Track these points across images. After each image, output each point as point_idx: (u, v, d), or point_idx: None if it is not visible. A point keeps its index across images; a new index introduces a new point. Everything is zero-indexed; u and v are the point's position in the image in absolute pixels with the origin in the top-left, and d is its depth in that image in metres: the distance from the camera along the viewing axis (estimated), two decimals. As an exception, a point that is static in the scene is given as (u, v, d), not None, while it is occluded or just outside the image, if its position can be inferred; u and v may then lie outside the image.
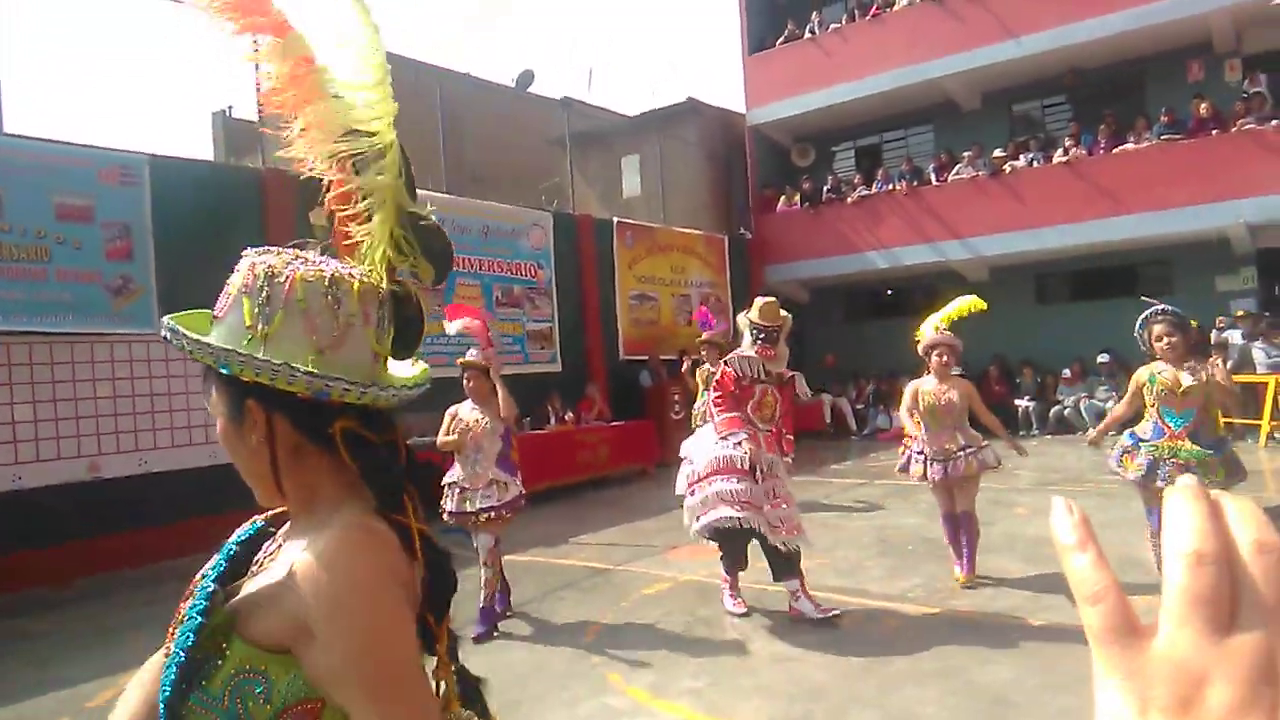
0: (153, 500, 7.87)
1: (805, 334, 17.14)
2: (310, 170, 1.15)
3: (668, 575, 6.41)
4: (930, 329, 5.87)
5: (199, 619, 1.01)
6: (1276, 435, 11.05)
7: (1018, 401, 14.10)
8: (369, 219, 1.13)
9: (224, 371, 1.03)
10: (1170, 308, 4.86)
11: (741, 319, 5.25)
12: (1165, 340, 4.77)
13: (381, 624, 0.98)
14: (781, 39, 16.93)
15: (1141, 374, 5.01)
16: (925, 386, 5.68)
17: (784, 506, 5.09)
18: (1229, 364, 11.67)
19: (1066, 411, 13.45)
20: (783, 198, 16.95)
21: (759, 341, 5.10)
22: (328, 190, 1.16)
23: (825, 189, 16.41)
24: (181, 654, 0.99)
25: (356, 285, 1.09)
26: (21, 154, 7.41)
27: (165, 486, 7.98)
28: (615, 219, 14.13)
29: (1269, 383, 11.04)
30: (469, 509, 5.25)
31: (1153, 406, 4.88)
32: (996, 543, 6.73)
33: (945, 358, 5.63)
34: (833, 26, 16.32)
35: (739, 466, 4.99)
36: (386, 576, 1.00)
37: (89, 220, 7.74)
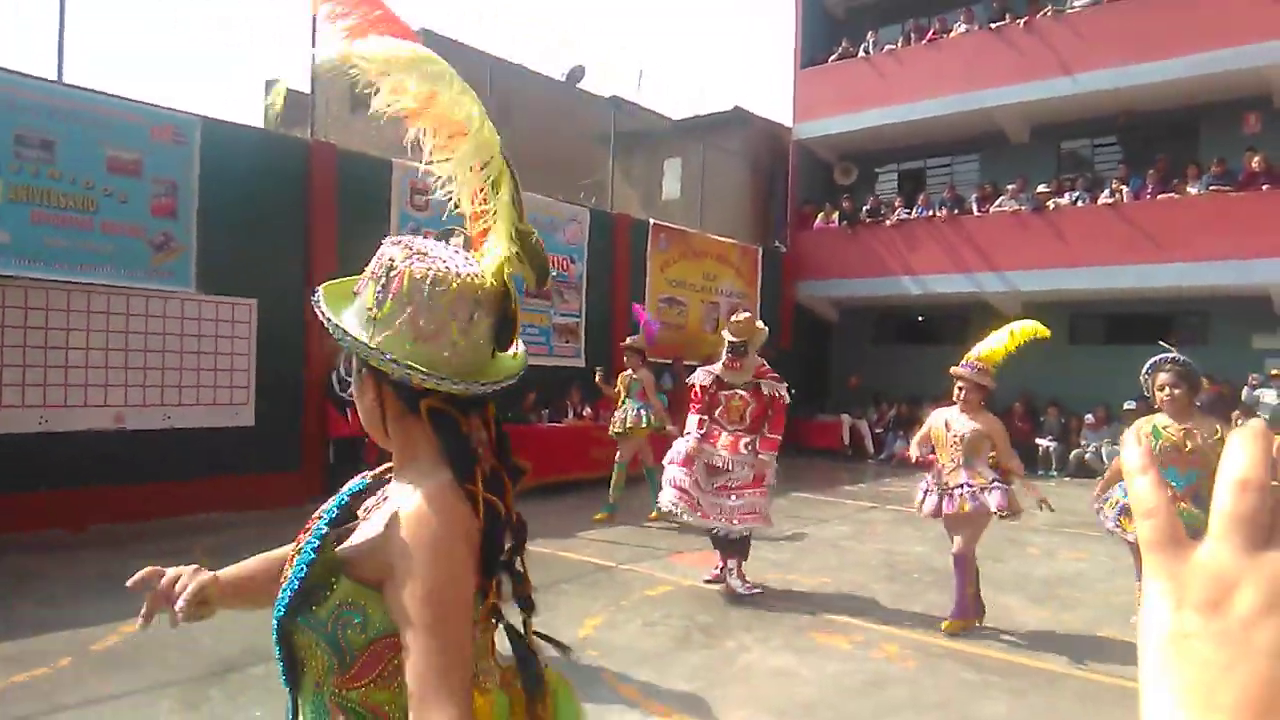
0: (174, 456, 8.01)
1: (831, 353, 17.11)
2: (446, 190, 1.31)
3: (671, 579, 6.42)
4: (970, 359, 5.49)
5: (312, 554, 1.17)
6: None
7: (1040, 440, 13.95)
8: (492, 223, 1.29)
9: (346, 348, 1.23)
10: (1182, 358, 4.56)
11: (724, 333, 5.94)
12: (1168, 390, 4.48)
13: (442, 575, 1.12)
14: (835, 56, 16.87)
15: (1143, 425, 4.64)
16: (948, 416, 5.45)
17: (736, 498, 5.81)
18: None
19: (1088, 456, 13.29)
20: (821, 214, 16.89)
21: (728, 354, 5.85)
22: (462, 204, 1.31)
23: (865, 209, 16.34)
24: (296, 581, 1.15)
25: (454, 286, 1.22)
26: (77, 105, 7.56)
27: (188, 443, 8.11)
28: (651, 220, 14.15)
29: (1299, 445, 10.84)
30: None
31: (1156, 464, 4.58)
32: (1006, 582, 6.68)
33: (964, 391, 5.32)
34: (888, 47, 16.24)
35: (683, 459, 5.85)
36: (457, 536, 1.15)
37: (138, 175, 7.88)
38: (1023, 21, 14.44)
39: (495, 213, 1.27)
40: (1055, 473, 13.56)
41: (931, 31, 15.75)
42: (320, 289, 1.28)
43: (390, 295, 1.21)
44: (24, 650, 4.48)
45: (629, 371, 8.80)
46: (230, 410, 8.40)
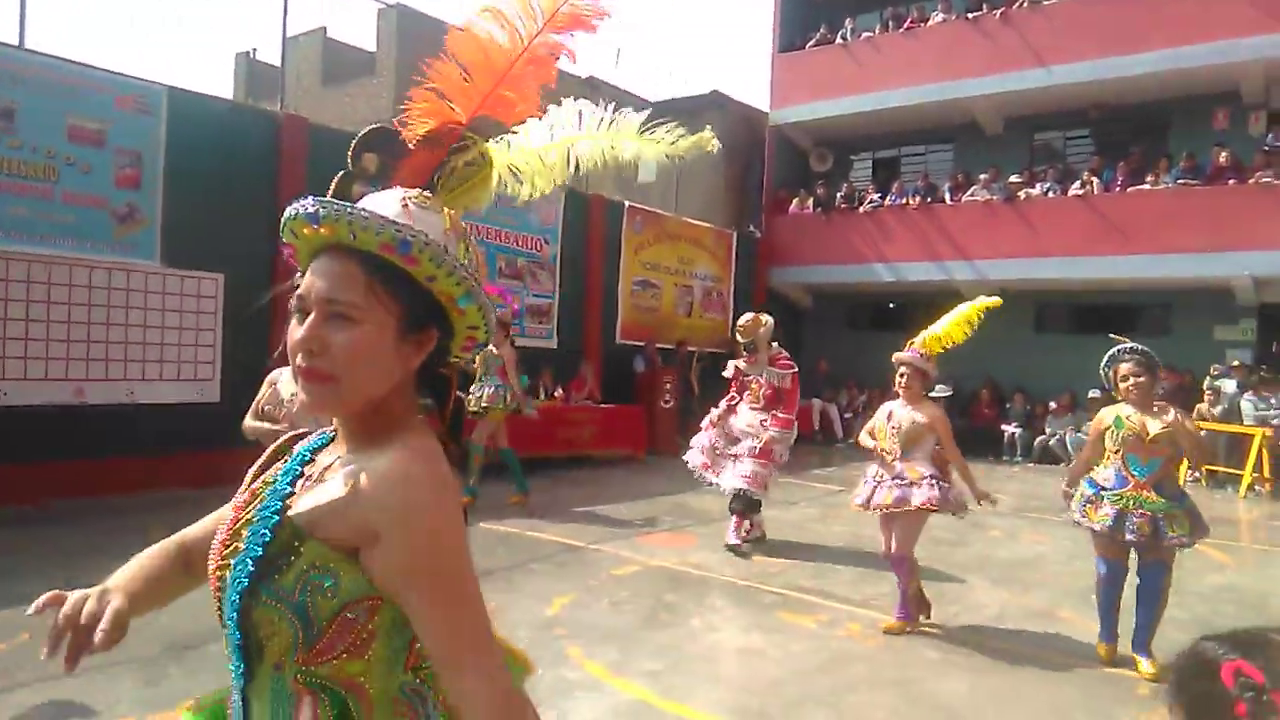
0: (137, 431, 7.88)
1: (804, 339, 17.18)
2: (411, 135, 1.26)
3: (638, 559, 6.45)
4: (914, 345, 5.28)
5: (275, 517, 1.08)
6: (1257, 487, 11.10)
7: (1005, 427, 14.15)
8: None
9: (464, 292, 1.12)
10: (1140, 347, 4.52)
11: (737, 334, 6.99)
12: (1131, 380, 4.45)
13: (446, 528, 1.05)
14: (813, 42, 16.88)
15: (1106, 416, 4.62)
16: (892, 408, 5.17)
17: (741, 463, 6.74)
18: (1219, 410, 11.77)
19: (1052, 442, 13.51)
20: (796, 200, 16.94)
21: (744, 351, 6.96)
22: (399, 148, 1.27)
23: (839, 196, 16.40)
24: (258, 548, 1.06)
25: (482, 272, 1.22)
26: (39, 70, 7.38)
27: (150, 419, 7.99)
28: (626, 202, 14.11)
29: (1255, 435, 11.09)
30: None
31: (1116, 452, 4.49)
32: (968, 564, 6.79)
33: (905, 378, 5.09)
34: (865, 35, 16.28)
35: (709, 424, 7.14)
36: (450, 487, 1.08)
37: (101, 145, 7.71)
38: (999, 12, 14.53)
39: (452, 195, 1.26)
40: (1020, 458, 13.78)
41: (909, 20, 15.81)
42: (405, 231, 1.08)
43: (472, 259, 1.18)
44: (-20, 625, 4.41)
45: (490, 348, 8.52)
46: (196, 386, 8.28)
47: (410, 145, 1.24)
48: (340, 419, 1.17)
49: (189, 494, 7.78)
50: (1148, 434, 4.39)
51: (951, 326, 5.32)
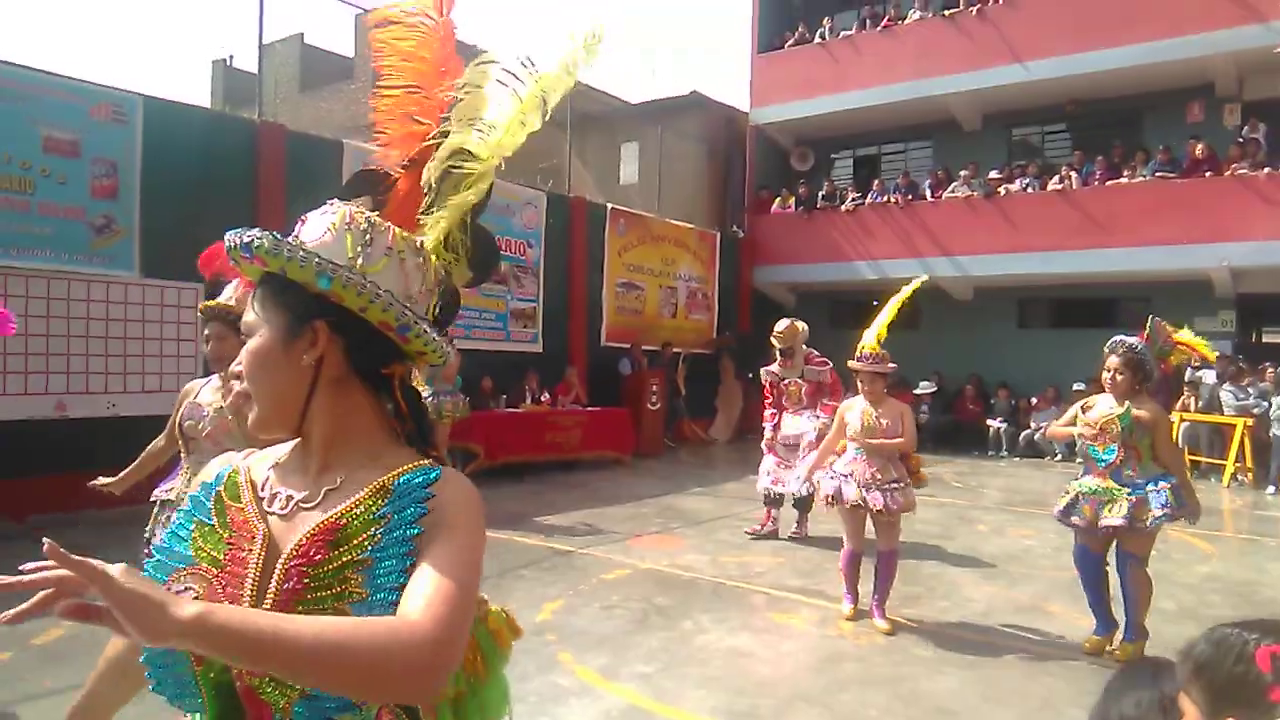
0: (119, 444, 7.77)
1: (788, 337, 17.22)
2: (388, 161, 1.28)
3: (628, 562, 6.43)
4: (861, 351, 5.25)
5: (401, 575, 1.02)
6: (1240, 477, 11.21)
7: (990, 422, 14.23)
8: (429, 212, 1.24)
9: (322, 285, 1.08)
10: (1138, 345, 4.61)
11: (773, 340, 7.31)
12: (1112, 374, 4.57)
13: (480, 519, 1.10)
14: (792, 41, 16.93)
15: (1078, 405, 4.84)
16: (861, 406, 5.18)
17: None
18: (1200, 403, 11.88)
19: (1037, 436, 13.59)
20: (778, 200, 16.98)
21: (780, 355, 7.30)
22: (386, 181, 1.28)
23: (821, 195, 16.45)
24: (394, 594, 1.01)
25: (435, 260, 1.22)
26: (10, 83, 7.28)
27: (133, 431, 7.87)
28: (609, 205, 14.10)
29: (1236, 425, 11.20)
30: None
31: (1086, 442, 4.67)
32: (956, 558, 6.82)
33: (864, 384, 5.18)
34: (844, 33, 16.34)
35: (768, 449, 7.47)
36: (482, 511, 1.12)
37: (76, 155, 7.62)
38: (975, 9, 14.61)
39: (449, 205, 1.23)
40: (1006, 453, 13.86)
41: (886, 19, 15.88)
42: (253, 236, 1.10)
43: (384, 251, 1.14)
44: (-39, 645, 4.35)
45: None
46: (177, 397, 8.19)
47: (393, 173, 1.27)
48: (302, 444, 1.16)
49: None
50: (1099, 422, 4.55)
51: (888, 320, 5.38)
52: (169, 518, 3.12)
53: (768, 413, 7.48)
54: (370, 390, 1.16)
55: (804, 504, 7.27)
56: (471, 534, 1.06)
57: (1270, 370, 11.65)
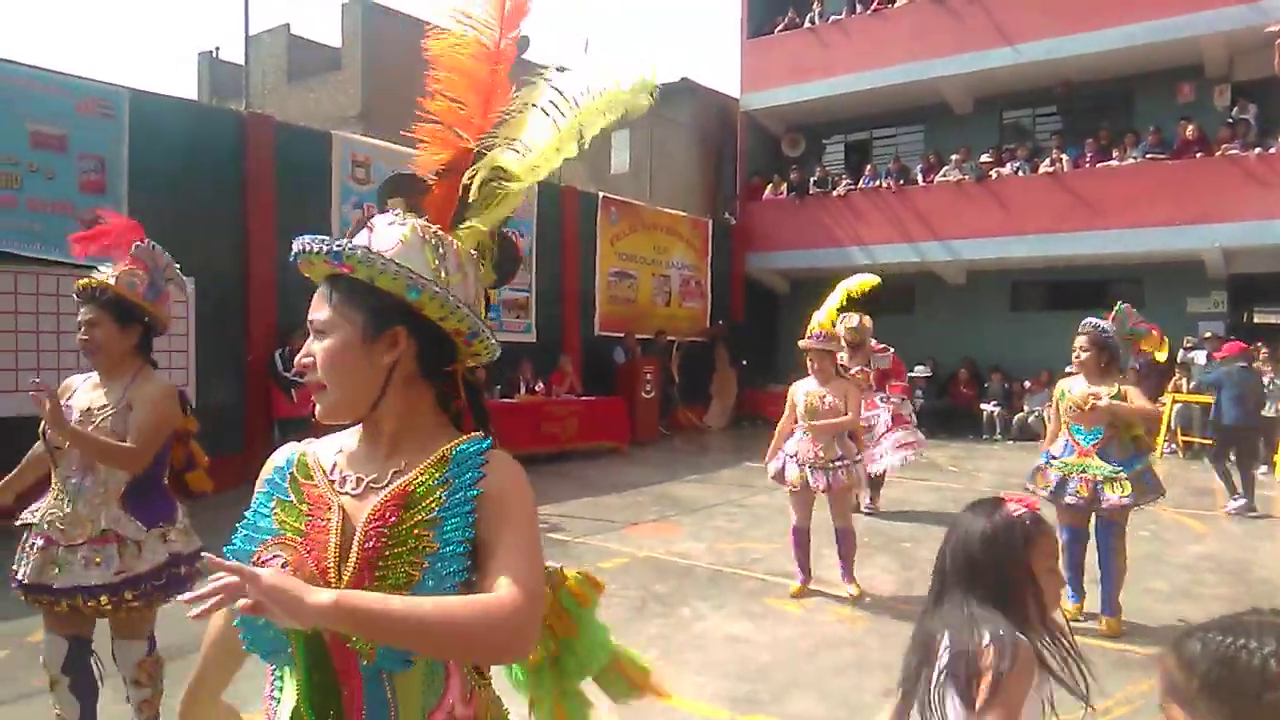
0: (111, 440, 7.76)
1: (781, 324, 17.24)
2: (425, 168, 1.36)
3: (626, 550, 6.45)
4: (812, 330, 5.46)
5: (462, 558, 1.16)
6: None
7: (984, 406, 14.27)
8: (468, 225, 1.34)
9: (412, 297, 1.19)
10: (1098, 323, 4.74)
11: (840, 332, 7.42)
12: (1080, 353, 4.73)
13: (533, 509, 1.27)
14: (782, 25, 16.85)
15: (1059, 388, 4.95)
16: (807, 388, 5.35)
17: (894, 438, 7.58)
18: (1192, 384, 11.92)
19: (1031, 419, 13.64)
20: (770, 186, 16.94)
21: (849, 348, 7.51)
22: (422, 186, 1.35)
23: (812, 180, 16.42)
24: (455, 586, 1.15)
25: (481, 268, 1.34)
26: (-3, 76, 7.22)
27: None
28: (600, 194, 14.06)
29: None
30: (51, 583, 2.80)
31: (1065, 423, 4.81)
32: (951, 541, 6.84)
33: (814, 363, 5.34)
34: (833, 18, 16.27)
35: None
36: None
37: (63, 150, 7.56)
38: (965, -9, 14.55)
39: (484, 216, 1.34)
40: (1000, 436, 13.91)
41: (876, 2, 15.81)
42: (344, 246, 1.19)
43: (455, 263, 1.26)
44: (-42, 643, 4.34)
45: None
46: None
47: (429, 180, 1.34)
48: (369, 434, 1.29)
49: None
50: (1086, 404, 4.63)
51: (838, 305, 5.81)
52: (34, 545, 2.86)
53: None
54: (434, 386, 1.30)
55: (876, 482, 7.95)
56: (526, 507, 1.23)
57: (1262, 350, 11.69)
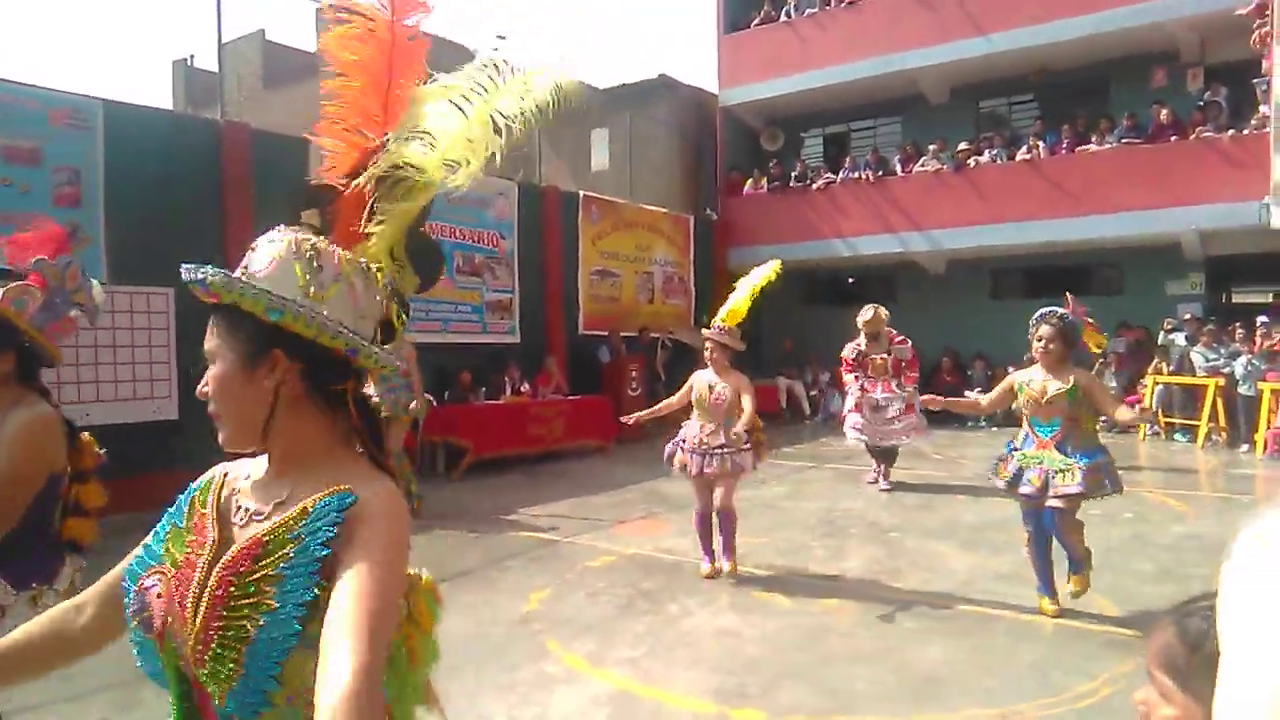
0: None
1: (764, 317, 17.27)
2: (334, 175, 1.32)
3: (614, 549, 6.46)
4: (718, 321, 5.72)
5: (315, 577, 1.08)
6: (1214, 436, 11.38)
7: (968, 393, 14.27)
8: (378, 224, 1.29)
9: (273, 318, 1.14)
10: (1062, 312, 4.75)
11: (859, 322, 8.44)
12: (1043, 343, 4.68)
13: (404, 533, 1.15)
14: (758, 20, 16.88)
15: (1017, 377, 4.94)
16: (709, 379, 5.58)
17: (898, 423, 8.36)
18: (1172, 365, 12.04)
19: (1014, 405, 13.70)
20: (750, 181, 16.97)
21: (865, 337, 8.34)
22: (334, 193, 1.30)
23: (792, 174, 16.46)
24: (302, 609, 1.06)
25: (380, 275, 1.27)
26: (-34, 90, 7.15)
27: (108, 440, 7.78)
28: (581, 193, 14.05)
29: (1209, 385, 11.37)
30: None
31: (1026, 415, 4.84)
32: (936, 529, 6.89)
33: (712, 352, 5.58)
34: (809, 11, 16.30)
35: (854, 407, 8.59)
36: (408, 534, 1.17)
37: (37, 164, 7.50)
38: (938, -18, 14.62)
39: (391, 214, 1.28)
40: (984, 423, 13.98)
41: (851, -6, 15.85)
42: (208, 268, 1.16)
43: (331, 276, 1.20)
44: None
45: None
46: (151, 404, 8.12)
47: (340, 187, 1.29)
48: (269, 459, 1.24)
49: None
50: (1045, 397, 4.64)
51: (745, 299, 5.83)
52: None
53: (850, 378, 8.62)
54: (326, 406, 1.22)
55: (889, 455, 8.70)
56: (386, 552, 1.09)
57: (1239, 330, 11.82)
